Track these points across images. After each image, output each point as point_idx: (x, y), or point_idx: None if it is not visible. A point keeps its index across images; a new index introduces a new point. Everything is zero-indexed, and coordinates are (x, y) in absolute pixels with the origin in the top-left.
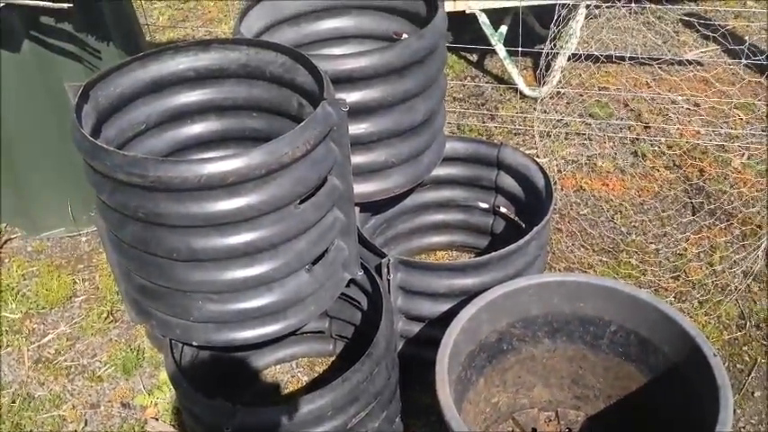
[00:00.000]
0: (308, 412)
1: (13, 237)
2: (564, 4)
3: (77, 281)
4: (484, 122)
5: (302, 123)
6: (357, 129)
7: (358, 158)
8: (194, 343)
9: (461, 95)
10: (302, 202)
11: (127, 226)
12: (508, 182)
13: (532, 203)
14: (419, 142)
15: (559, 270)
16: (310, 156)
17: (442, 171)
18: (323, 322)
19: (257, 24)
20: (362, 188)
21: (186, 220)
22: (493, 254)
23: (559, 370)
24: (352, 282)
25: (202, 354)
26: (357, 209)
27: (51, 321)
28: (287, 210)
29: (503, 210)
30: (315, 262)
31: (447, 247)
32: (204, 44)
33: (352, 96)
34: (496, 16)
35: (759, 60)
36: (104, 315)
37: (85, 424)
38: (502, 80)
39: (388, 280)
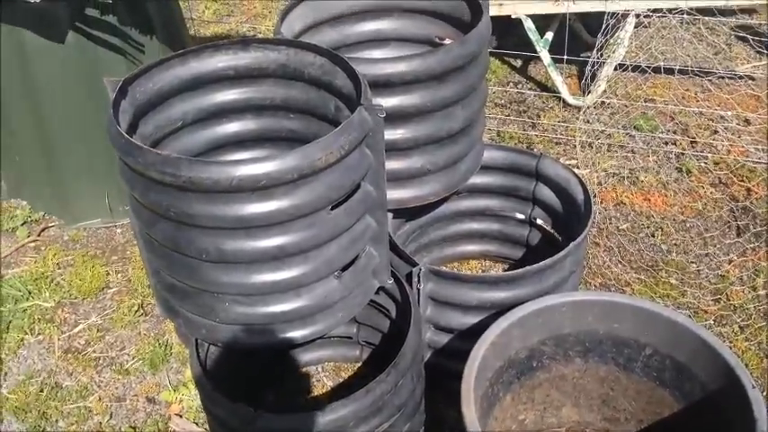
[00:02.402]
0: (329, 422)
1: (50, 225)
2: (612, 14)
3: (111, 272)
4: (525, 130)
5: (337, 128)
6: (394, 134)
7: (394, 164)
8: (220, 344)
9: (503, 101)
10: (334, 207)
11: (158, 224)
12: (546, 193)
13: (570, 217)
14: (456, 150)
15: (595, 286)
16: (344, 161)
17: (478, 179)
18: (351, 328)
19: (298, 24)
20: (397, 194)
21: (217, 221)
22: (527, 268)
23: (590, 390)
24: (381, 289)
25: (229, 353)
26: (390, 215)
27: (83, 312)
28: (318, 215)
29: (539, 222)
30: (345, 268)
31: (481, 257)
32: (244, 43)
33: (390, 101)
34: (543, 22)
35: None
36: (135, 308)
37: (110, 417)
38: (545, 87)
39: (419, 289)
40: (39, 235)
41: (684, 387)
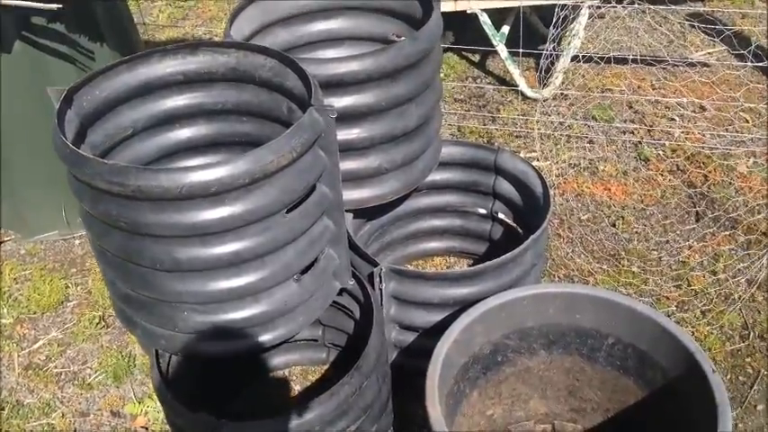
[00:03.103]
0: (294, 427)
1: (6, 239)
2: (563, 5)
3: (70, 285)
4: (485, 124)
5: (288, 131)
6: (349, 134)
7: (351, 164)
8: (180, 354)
9: (462, 96)
10: (290, 210)
11: (109, 235)
12: (506, 187)
13: (530, 210)
14: (413, 147)
15: (559, 277)
16: (297, 164)
17: (438, 176)
18: (316, 330)
19: (249, 26)
20: (356, 194)
21: (169, 230)
22: (488, 263)
23: (556, 382)
24: (344, 290)
25: (192, 362)
26: (350, 216)
27: (43, 327)
28: (273, 219)
29: (501, 216)
30: (304, 271)
31: (444, 253)
32: (193, 47)
33: (344, 101)
34: (498, 16)
35: (765, 64)
36: (96, 320)
37: None
38: (504, 81)
39: (381, 289)
40: None
41: (647, 375)
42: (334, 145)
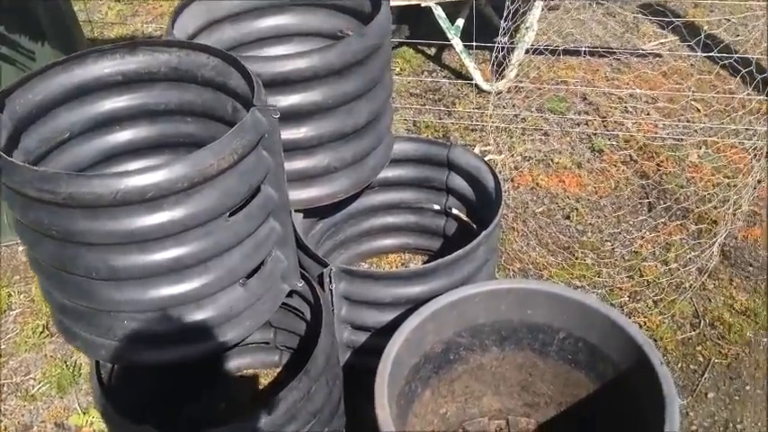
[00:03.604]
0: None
1: None
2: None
3: (13, 293)
4: (441, 119)
5: (229, 132)
6: (297, 133)
7: (300, 163)
8: (121, 364)
9: (418, 91)
10: (233, 214)
11: (42, 244)
12: (459, 182)
13: (483, 205)
14: (363, 145)
15: (513, 271)
16: (239, 166)
17: (391, 173)
18: (268, 333)
19: (194, 23)
20: (306, 194)
21: (103, 237)
22: (439, 261)
23: (509, 378)
24: (294, 292)
25: (138, 371)
26: (300, 215)
27: None
28: (216, 223)
29: (455, 211)
30: (250, 275)
31: (399, 250)
32: (131, 46)
33: (291, 99)
34: (453, 9)
35: (714, 55)
36: (39, 329)
37: None
38: (460, 75)
39: (331, 290)
40: None
41: (598, 368)
42: (278, 145)
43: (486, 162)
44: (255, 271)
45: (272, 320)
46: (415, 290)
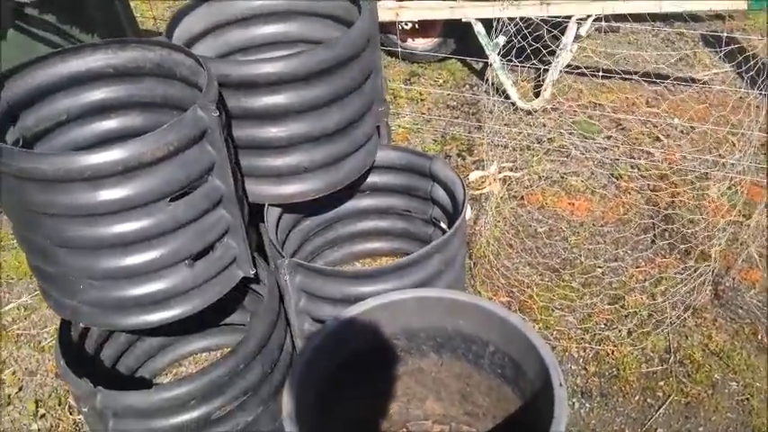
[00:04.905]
0: (166, 399)
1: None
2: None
3: None
4: (470, 132)
5: (165, 125)
6: (268, 132)
7: (272, 161)
8: (81, 324)
9: (455, 103)
10: (174, 199)
11: (14, 211)
12: (441, 194)
13: (458, 218)
14: (336, 149)
15: (498, 286)
16: (179, 157)
17: (379, 178)
18: (245, 316)
19: (198, 25)
20: (279, 190)
21: (52, 208)
22: (387, 264)
23: (448, 385)
24: (260, 280)
25: (121, 335)
26: (277, 210)
27: (16, 292)
28: (156, 206)
29: (440, 222)
30: (198, 258)
31: (391, 254)
32: (123, 43)
33: (260, 101)
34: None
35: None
36: None
37: (20, 390)
38: (500, 91)
39: (286, 280)
40: None
41: (520, 383)
42: (221, 141)
43: (460, 177)
44: (203, 255)
45: (247, 305)
46: (363, 289)
